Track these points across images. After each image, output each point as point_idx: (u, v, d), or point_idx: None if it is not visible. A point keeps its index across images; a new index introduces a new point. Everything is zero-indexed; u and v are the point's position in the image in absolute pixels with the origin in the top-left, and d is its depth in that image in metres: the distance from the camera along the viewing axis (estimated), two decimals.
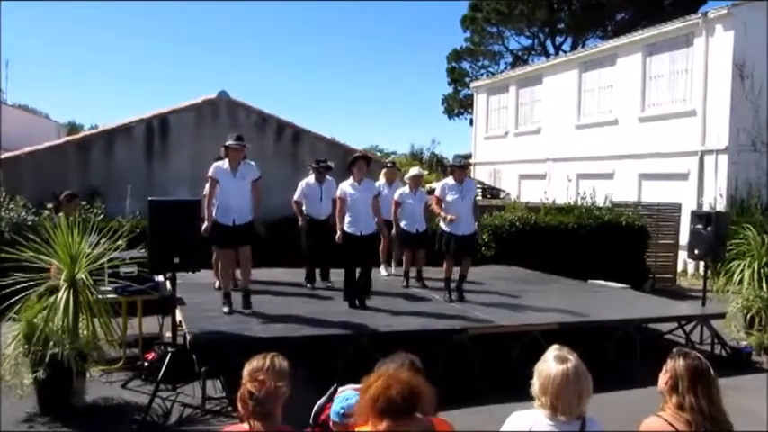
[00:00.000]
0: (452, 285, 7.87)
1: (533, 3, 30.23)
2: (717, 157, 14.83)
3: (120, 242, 5.81)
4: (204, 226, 6.50)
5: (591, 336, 6.86)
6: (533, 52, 33.08)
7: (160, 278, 6.96)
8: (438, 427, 2.38)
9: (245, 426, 2.53)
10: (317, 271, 8.62)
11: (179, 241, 5.75)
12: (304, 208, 8.62)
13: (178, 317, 6.31)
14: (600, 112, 18.43)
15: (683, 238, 11.34)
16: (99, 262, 5.72)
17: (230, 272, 6.99)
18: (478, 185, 17.21)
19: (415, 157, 39.14)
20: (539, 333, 6.56)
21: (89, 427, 5.23)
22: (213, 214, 6.68)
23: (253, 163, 6.94)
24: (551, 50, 32.18)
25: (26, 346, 5.26)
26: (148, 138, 11.89)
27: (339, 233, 7.38)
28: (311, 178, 8.62)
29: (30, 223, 8.01)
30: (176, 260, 5.78)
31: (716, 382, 2.69)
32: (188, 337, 5.74)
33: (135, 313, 6.88)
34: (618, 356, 7.11)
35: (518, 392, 3.03)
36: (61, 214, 6.67)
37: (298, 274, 8.65)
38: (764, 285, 8.22)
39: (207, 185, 6.83)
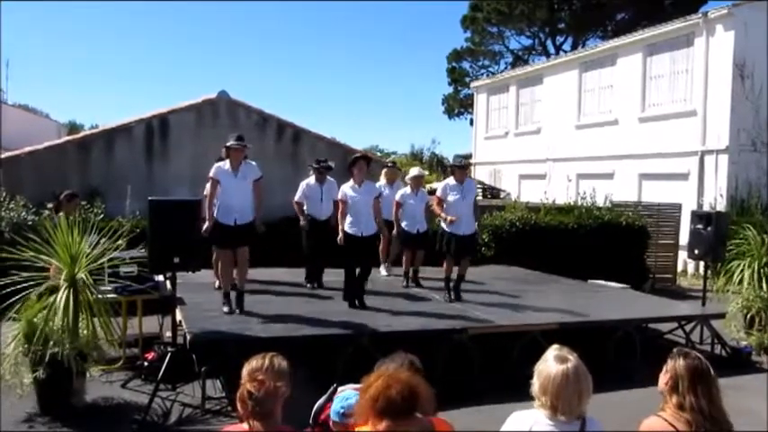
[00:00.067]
0: (452, 285, 7.88)
1: (534, 3, 30.23)
2: (717, 157, 14.83)
3: (120, 242, 5.81)
4: (205, 226, 6.51)
5: (591, 336, 6.86)
6: (534, 52, 33.11)
7: (160, 278, 6.96)
8: (438, 427, 2.38)
9: (245, 426, 2.53)
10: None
11: (179, 241, 5.75)
12: (305, 208, 8.63)
13: (178, 317, 6.31)
14: (600, 112, 18.42)
15: (684, 238, 11.33)
16: (99, 262, 5.72)
17: (230, 272, 6.98)
18: (479, 185, 17.21)
19: (416, 157, 39.10)
20: (539, 333, 6.56)
21: (89, 427, 5.23)
22: (214, 214, 6.68)
23: (254, 163, 6.94)
24: (552, 50, 32.20)
25: (26, 346, 5.25)
26: (148, 138, 11.88)
27: (341, 234, 7.39)
28: (312, 179, 8.63)
29: (30, 223, 8.02)
30: (176, 260, 5.78)
31: (716, 382, 2.69)
32: (188, 337, 5.74)
33: (135, 313, 6.88)
34: (618, 356, 7.10)
35: (518, 392, 3.03)
36: (61, 214, 6.66)
37: (298, 274, 8.66)
38: (764, 285, 8.22)
39: (208, 186, 6.83)
